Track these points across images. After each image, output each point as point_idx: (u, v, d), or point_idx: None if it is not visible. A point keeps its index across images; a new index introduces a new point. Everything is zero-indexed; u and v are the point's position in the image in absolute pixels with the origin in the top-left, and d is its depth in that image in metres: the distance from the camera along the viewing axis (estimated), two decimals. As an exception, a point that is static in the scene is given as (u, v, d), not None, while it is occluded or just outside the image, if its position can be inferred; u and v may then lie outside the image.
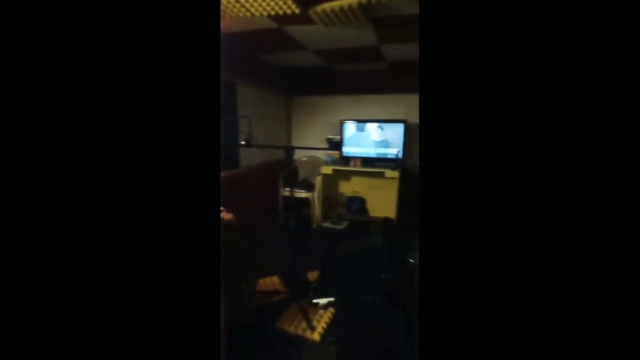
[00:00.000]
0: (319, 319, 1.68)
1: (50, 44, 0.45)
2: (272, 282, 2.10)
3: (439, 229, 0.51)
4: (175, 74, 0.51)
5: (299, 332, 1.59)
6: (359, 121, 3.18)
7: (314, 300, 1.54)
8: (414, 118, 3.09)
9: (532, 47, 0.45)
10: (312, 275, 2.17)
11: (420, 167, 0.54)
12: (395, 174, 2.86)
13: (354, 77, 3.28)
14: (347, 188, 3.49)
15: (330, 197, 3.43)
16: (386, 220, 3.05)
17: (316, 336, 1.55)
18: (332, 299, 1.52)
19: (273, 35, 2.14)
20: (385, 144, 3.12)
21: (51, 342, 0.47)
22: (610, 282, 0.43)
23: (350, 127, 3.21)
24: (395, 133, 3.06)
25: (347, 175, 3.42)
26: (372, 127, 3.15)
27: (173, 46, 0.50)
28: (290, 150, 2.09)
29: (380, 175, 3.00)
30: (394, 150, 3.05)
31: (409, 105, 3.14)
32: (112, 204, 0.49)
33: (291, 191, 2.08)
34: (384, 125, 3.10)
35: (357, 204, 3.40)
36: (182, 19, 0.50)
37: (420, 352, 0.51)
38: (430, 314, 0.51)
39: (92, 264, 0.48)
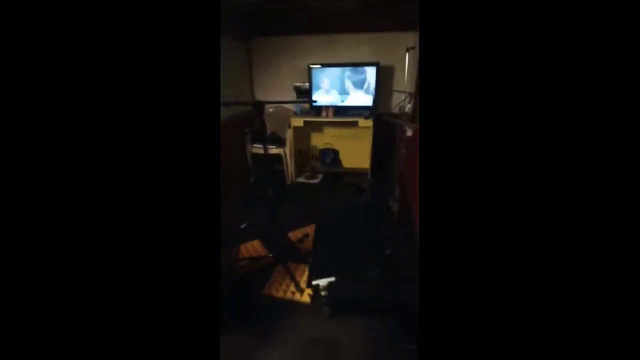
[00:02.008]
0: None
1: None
2: (253, 246, 2.04)
3: (439, 221, 0.51)
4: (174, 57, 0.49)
5: (288, 295, 1.59)
6: (328, 65, 2.90)
7: (314, 282, 1.42)
8: (386, 60, 2.88)
9: (532, 40, 0.44)
10: (294, 235, 2.14)
11: (420, 166, 0.53)
12: (369, 122, 2.74)
13: (321, 15, 2.89)
14: (320, 140, 3.35)
15: (303, 151, 3.29)
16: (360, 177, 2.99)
17: (306, 298, 1.57)
18: (332, 279, 1.40)
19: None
20: (357, 90, 2.93)
21: (50, 338, 0.47)
22: (607, 275, 0.43)
23: (319, 73, 2.93)
24: (367, 78, 2.86)
25: (319, 126, 3.25)
26: (343, 72, 2.90)
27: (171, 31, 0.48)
28: (256, 104, 1.85)
29: (354, 124, 2.87)
30: (367, 98, 2.89)
31: (381, 46, 2.90)
32: (110, 196, 0.48)
33: (262, 148, 1.90)
34: (356, 69, 2.87)
35: (331, 156, 3.32)
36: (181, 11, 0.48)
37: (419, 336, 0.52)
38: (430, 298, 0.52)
39: (89, 255, 0.48)
